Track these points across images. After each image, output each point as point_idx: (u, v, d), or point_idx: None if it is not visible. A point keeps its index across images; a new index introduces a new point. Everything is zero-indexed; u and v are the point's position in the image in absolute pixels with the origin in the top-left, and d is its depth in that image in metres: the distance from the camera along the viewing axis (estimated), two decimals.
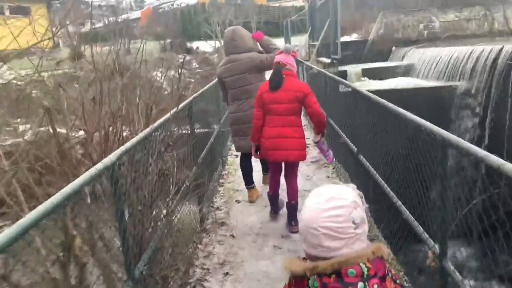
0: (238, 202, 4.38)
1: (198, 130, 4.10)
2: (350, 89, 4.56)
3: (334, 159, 5.02)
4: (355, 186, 1.23)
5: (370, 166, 3.73)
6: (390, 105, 3.08)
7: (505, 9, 13.03)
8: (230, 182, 5.01)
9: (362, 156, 4.02)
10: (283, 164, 3.76)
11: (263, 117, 3.57)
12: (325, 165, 5.41)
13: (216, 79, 4.62)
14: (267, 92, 3.51)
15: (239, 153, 5.92)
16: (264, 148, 3.59)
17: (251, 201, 4.38)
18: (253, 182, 4.44)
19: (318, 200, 1.17)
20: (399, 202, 3.02)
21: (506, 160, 1.57)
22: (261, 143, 3.61)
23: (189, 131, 3.65)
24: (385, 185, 3.36)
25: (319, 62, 10.28)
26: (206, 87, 4.76)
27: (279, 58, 3.55)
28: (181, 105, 3.07)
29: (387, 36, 13.70)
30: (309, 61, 15.13)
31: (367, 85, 10.56)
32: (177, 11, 27.04)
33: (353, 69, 12.03)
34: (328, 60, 9.57)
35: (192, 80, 17.58)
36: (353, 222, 1.14)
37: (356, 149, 4.21)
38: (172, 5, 35.11)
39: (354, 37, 18.75)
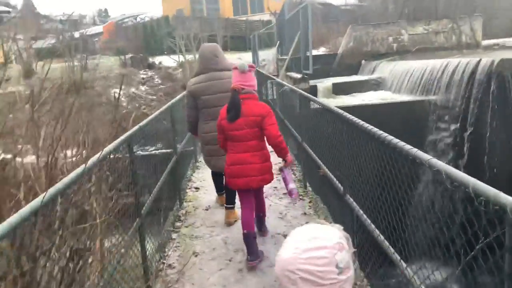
0: (196, 256, 3.45)
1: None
2: (322, 107, 3.80)
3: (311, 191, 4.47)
4: (341, 227, 1.08)
5: (360, 210, 2.89)
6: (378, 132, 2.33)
7: (471, 21, 12.95)
8: (189, 225, 4.11)
9: (349, 197, 3.08)
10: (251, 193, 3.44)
11: (226, 143, 3.39)
12: (301, 197, 4.63)
13: (180, 97, 4.40)
14: (226, 119, 3.26)
15: (199, 187, 4.90)
16: (227, 176, 3.41)
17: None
18: (235, 202, 4.04)
19: (298, 239, 1.03)
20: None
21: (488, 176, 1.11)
22: (225, 171, 3.42)
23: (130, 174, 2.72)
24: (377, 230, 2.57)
25: (289, 77, 9.62)
26: (156, 113, 3.84)
27: (235, 82, 3.28)
28: (103, 152, 2.15)
29: (356, 49, 13.34)
30: (278, 76, 14.56)
31: (339, 102, 10.03)
32: (139, 25, 25.95)
33: (323, 84, 11.52)
34: (298, 75, 8.93)
35: (155, 97, 16.61)
36: (337, 266, 0.99)
37: (342, 188, 3.26)
38: (135, 19, 34.07)
39: (322, 51, 18.41)
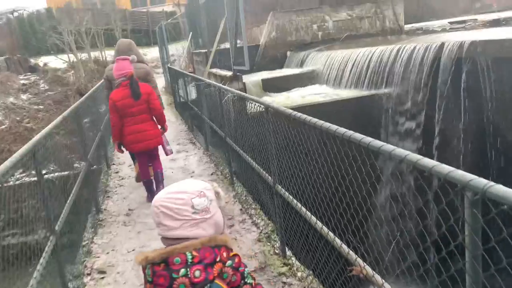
0: None
1: None
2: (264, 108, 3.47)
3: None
4: (217, 185, 1.44)
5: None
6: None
7: (393, 5, 12.36)
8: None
9: None
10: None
11: (120, 120, 4.46)
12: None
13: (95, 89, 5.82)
14: (120, 100, 4.37)
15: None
16: (127, 143, 4.57)
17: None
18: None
19: (172, 186, 1.38)
20: None
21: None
22: (124, 140, 4.57)
23: None
24: None
25: (214, 75, 7.77)
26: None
27: (127, 69, 4.41)
28: None
29: (280, 39, 11.94)
30: (193, 72, 12.56)
31: (275, 101, 8.49)
32: (14, 21, 21.53)
33: (251, 80, 9.88)
34: (228, 73, 7.14)
35: (41, 107, 13.40)
36: (192, 207, 1.32)
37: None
38: (12, 13, 28.93)
39: (239, 42, 16.83)
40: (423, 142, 6.70)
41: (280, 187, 3.52)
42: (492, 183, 1.18)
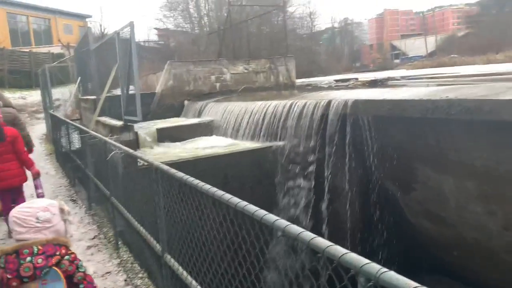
0: None
1: None
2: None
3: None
4: (63, 203, 2.01)
5: None
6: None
7: (286, 62, 13.18)
8: None
9: None
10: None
11: None
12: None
13: None
14: None
15: None
16: None
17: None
18: None
19: (23, 204, 1.94)
20: None
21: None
22: None
23: None
24: None
25: (103, 124, 7.16)
26: None
27: None
28: None
29: (177, 88, 11.77)
30: (80, 120, 11.57)
31: (170, 153, 8.11)
32: None
33: (145, 129, 9.39)
34: (118, 122, 6.62)
35: None
36: (37, 218, 1.85)
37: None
38: None
39: (131, 89, 16.21)
40: (314, 193, 6.90)
41: (169, 257, 3.13)
42: (384, 269, 1.13)
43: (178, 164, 6.53)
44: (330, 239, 1.40)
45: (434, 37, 63.47)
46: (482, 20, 59.80)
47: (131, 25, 6.23)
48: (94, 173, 5.87)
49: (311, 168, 6.98)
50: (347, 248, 1.28)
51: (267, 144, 7.56)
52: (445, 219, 5.84)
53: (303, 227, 1.48)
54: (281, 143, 7.44)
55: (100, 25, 24.80)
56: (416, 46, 65.22)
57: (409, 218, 6.61)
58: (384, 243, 6.86)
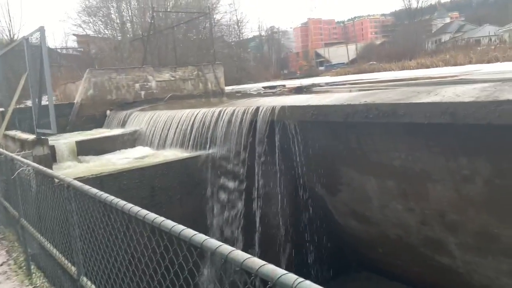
0: None
1: None
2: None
3: None
4: None
5: None
6: None
7: (214, 69, 13.08)
8: None
9: None
10: None
11: None
12: None
13: None
14: None
15: None
16: None
17: None
18: None
19: None
20: None
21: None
22: None
23: None
24: None
25: (13, 139, 6.49)
26: None
27: None
28: None
29: (98, 97, 11.13)
30: None
31: (91, 167, 7.58)
32: None
33: (63, 143, 8.71)
34: (30, 136, 6.03)
35: None
36: None
37: None
38: None
39: (46, 100, 15.02)
40: (246, 200, 6.85)
41: (85, 279, 2.88)
42: (301, 279, 1.15)
43: (100, 179, 6.10)
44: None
45: (354, 45, 67.56)
46: (396, 29, 64.91)
47: (41, 30, 5.72)
48: (1, 193, 5.30)
49: (242, 175, 6.92)
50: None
51: (196, 153, 7.36)
52: (369, 218, 6.09)
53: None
54: (210, 151, 7.29)
55: (9, 31, 22.72)
56: (339, 54, 68.94)
57: (337, 219, 6.81)
58: (315, 245, 7.00)
